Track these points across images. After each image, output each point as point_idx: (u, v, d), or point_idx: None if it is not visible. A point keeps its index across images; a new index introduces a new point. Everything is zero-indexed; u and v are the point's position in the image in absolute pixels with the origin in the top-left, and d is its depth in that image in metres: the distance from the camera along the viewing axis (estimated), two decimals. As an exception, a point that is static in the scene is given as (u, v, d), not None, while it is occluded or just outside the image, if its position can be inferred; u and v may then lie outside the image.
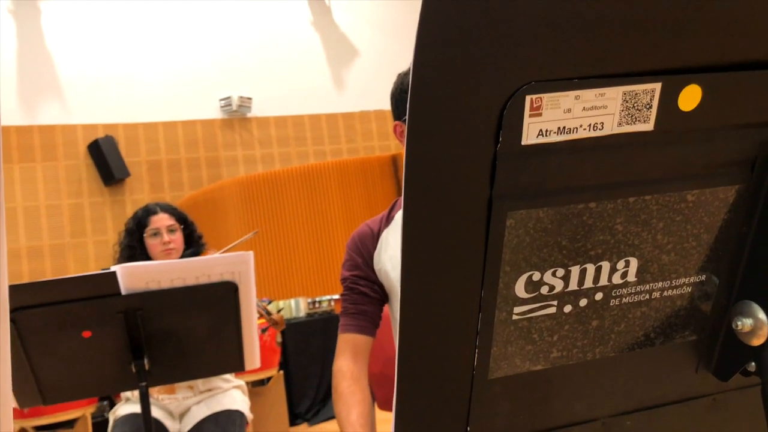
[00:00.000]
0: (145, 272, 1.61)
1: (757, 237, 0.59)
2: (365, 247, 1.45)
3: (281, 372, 3.95)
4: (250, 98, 8.09)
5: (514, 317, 0.56)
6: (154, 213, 2.43)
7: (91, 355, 1.67)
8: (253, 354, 1.83)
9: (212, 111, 8.13)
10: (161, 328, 1.68)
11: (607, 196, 0.53)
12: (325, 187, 6.27)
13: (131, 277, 1.60)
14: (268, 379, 3.88)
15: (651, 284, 0.59)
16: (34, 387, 1.67)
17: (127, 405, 2.27)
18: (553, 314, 0.57)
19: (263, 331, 3.22)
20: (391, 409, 1.69)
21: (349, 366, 1.38)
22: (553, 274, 0.55)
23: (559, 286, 0.55)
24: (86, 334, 1.64)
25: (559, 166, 0.50)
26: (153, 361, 1.71)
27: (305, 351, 4.55)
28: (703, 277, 0.60)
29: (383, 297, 1.44)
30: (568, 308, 0.57)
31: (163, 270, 1.63)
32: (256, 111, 8.20)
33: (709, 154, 0.54)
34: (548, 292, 0.55)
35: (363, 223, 1.50)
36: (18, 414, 3.07)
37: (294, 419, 4.29)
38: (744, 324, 0.60)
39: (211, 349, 1.78)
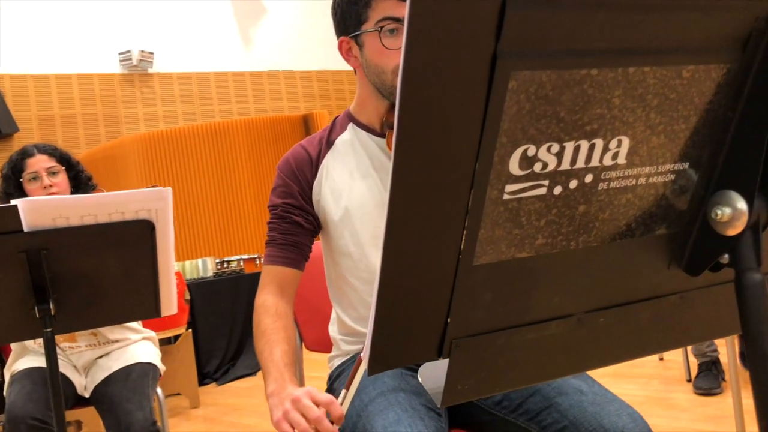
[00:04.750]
0: (52, 207, 1.47)
1: (740, 122, 0.58)
2: (303, 174, 1.32)
3: (189, 331, 3.82)
4: (151, 53, 7.68)
5: (505, 196, 0.52)
6: (31, 155, 2.18)
7: (-12, 299, 1.52)
8: (170, 299, 1.72)
9: (110, 65, 7.66)
10: (69, 269, 1.54)
11: (609, 63, 0.50)
12: (234, 146, 6.07)
13: (36, 212, 1.46)
14: (176, 337, 3.74)
15: (639, 168, 0.57)
16: None
17: (26, 359, 2.11)
18: (543, 196, 0.54)
19: None
20: (318, 350, 1.64)
21: (273, 300, 1.26)
22: (548, 150, 0.52)
23: (552, 163, 0.52)
24: (-17, 275, 1.48)
25: (567, 22, 0.47)
26: (59, 306, 1.57)
27: (213, 311, 4.42)
28: (686, 165, 0.59)
29: (316, 229, 1.34)
30: (558, 190, 0.54)
31: (73, 205, 1.49)
32: (159, 66, 7.80)
33: (708, 26, 0.52)
34: (541, 169, 0.52)
35: (296, 144, 1.37)
36: None
37: (202, 379, 4.17)
38: (723, 213, 0.59)
39: (125, 293, 1.66)
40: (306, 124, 6.40)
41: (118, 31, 7.50)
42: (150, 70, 7.69)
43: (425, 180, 0.49)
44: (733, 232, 0.60)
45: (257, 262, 4.96)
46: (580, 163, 0.54)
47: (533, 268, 0.57)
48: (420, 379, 0.65)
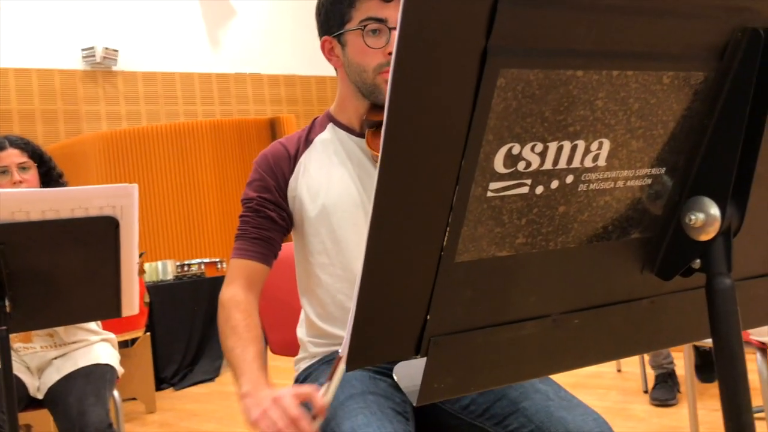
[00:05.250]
0: (12, 201, 1.43)
1: (715, 130, 0.59)
2: (280, 169, 1.30)
3: (148, 334, 3.74)
4: (116, 50, 7.54)
5: (489, 194, 0.52)
6: (2, 148, 2.11)
7: (-59, 295, 1.46)
8: (131, 299, 1.69)
9: (73, 61, 7.50)
10: (28, 265, 1.50)
11: (595, 66, 0.51)
12: (198, 147, 5.99)
13: (-6, 205, 1.41)
14: (133, 341, 3.66)
15: (618, 171, 0.58)
16: None
17: (-22, 358, 2.03)
18: (525, 194, 0.54)
19: None
20: (283, 353, 1.63)
21: (242, 296, 1.24)
22: (532, 149, 0.52)
23: (535, 162, 0.53)
24: (-64, 269, 1.43)
25: (556, 22, 0.47)
26: (16, 303, 1.52)
27: (172, 314, 4.33)
28: (663, 170, 0.60)
29: (289, 226, 1.33)
30: (539, 189, 0.55)
31: (34, 199, 1.45)
32: (123, 65, 7.67)
33: (689, 33, 0.54)
34: (524, 168, 0.53)
35: (275, 141, 1.36)
36: None
37: (159, 384, 4.08)
38: (696, 218, 0.60)
39: (85, 292, 1.62)
40: (273, 128, 6.36)
41: (81, 26, 7.35)
42: (114, 68, 7.56)
43: (412, 175, 0.49)
44: (705, 237, 0.61)
45: (219, 266, 4.89)
46: (562, 164, 0.54)
47: (512, 267, 0.57)
48: (395, 377, 0.65)
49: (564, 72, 0.50)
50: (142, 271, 3.37)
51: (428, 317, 0.55)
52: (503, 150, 0.51)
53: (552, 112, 0.51)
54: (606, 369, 3.50)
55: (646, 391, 3.03)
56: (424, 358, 0.58)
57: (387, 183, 0.48)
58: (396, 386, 1.22)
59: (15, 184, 2.09)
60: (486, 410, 1.16)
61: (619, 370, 3.46)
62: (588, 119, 0.53)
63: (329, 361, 1.30)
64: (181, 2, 7.80)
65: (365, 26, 1.22)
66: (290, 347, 1.54)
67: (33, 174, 2.14)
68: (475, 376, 0.62)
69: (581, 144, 0.54)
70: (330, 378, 0.99)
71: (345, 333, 1.18)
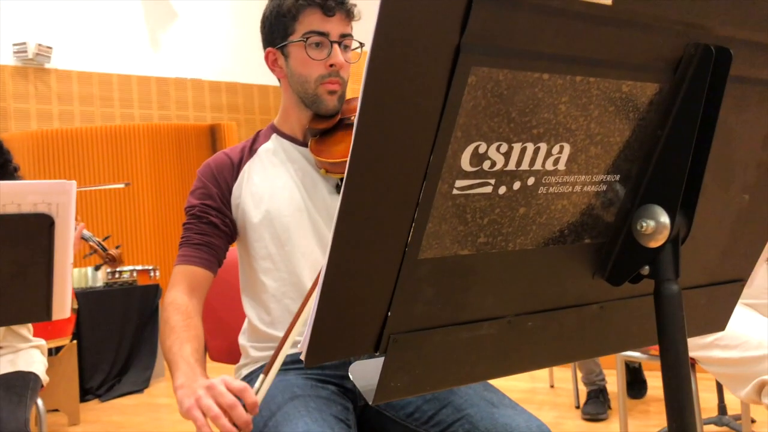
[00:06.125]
0: (-63, 193, 1.35)
1: (667, 141, 0.62)
2: (222, 177, 1.31)
3: (74, 342, 3.59)
4: (50, 47, 7.29)
5: (455, 192, 0.53)
6: None
7: None
8: (63, 302, 1.61)
9: (3, 56, 7.20)
10: (-48, 263, 1.42)
11: (560, 70, 0.52)
12: (134, 151, 5.84)
13: None
14: (58, 349, 3.50)
15: (576, 176, 0.59)
16: None
17: None
18: (488, 194, 0.55)
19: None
20: (223, 360, 1.59)
21: (183, 300, 1.23)
22: (497, 149, 0.53)
23: (500, 162, 0.54)
24: None
25: (527, 23, 0.49)
26: (-63, 303, 1.44)
27: (101, 323, 4.16)
28: (617, 178, 0.62)
29: (232, 233, 1.32)
30: (502, 189, 0.55)
31: (-37, 192, 1.38)
32: (57, 63, 7.41)
33: (647, 45, 0.56)
34: (489, 168, 0.54)
35: (219, 151, 1.37)
36: None
37: (84, 395, 3.91)
38: (647, 226, 0.63)
39: (14, 293, 1.54)
40: (213, 134, 6.25)
41: (14, 20, 7.08)
42: (47, 66, 7.29)
43: (381, 169, 0.49)
44: (654, 244, 0.63)
45: (152, 274, 4.75)
46: (525, 165, 0.55)
47: (472, 266, 0.58)
48: (351, 376, 0.64)
49: (531, 74, 0.51)
50: (120, 262, 3.25)
51: (389, 314, 0.55)
52: (470, 148, 0.52)
53: (518, 113, 0.52)
54: (540, 385, 3.57)
55: (578, 407, 3.10)
56: (381, 358, 0.58)
57: (356, 176, 0.48)
58: (339, 393, 1.21)
59: None
60: (431, 417, 1.17)
61: (552, 386, 3.53)
62: (551, 122, 0.54)
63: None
64: (121, 1, 7.62)
65: (308, 39, 1.26)
66: (231, 354, 1.52)
67: None
68: (432, 376, 0.62)
69: (543, 147, 0.55)
70: (266, 372, 0.98)
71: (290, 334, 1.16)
